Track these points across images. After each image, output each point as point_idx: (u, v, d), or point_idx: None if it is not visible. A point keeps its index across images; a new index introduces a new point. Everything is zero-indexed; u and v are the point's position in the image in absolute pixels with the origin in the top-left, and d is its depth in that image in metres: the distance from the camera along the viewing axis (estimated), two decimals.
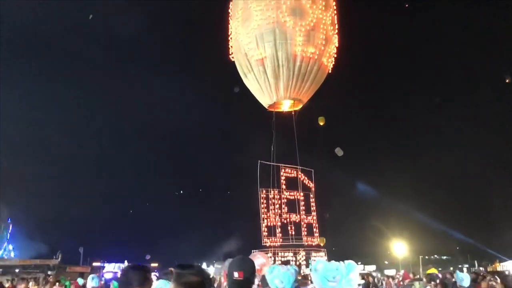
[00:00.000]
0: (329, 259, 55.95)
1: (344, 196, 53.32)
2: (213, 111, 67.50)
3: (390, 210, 53.37)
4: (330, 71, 25.24)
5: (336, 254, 60.87)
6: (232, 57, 25.39)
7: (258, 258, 10.67)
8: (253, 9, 23.50)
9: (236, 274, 3.18)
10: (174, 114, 66.61)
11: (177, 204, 69.51)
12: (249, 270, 3.25)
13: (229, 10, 25.87)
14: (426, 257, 58.67)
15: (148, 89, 72.58)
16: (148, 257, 57.71)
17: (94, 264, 52.88)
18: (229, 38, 25.59)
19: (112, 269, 52.28)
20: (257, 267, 4.06)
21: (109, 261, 55.49)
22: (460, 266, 57.79)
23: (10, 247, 53.63)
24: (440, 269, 32.66)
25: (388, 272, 39.35)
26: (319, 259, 23.63)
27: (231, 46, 25.37)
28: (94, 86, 69.73)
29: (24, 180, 56.17)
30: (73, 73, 65.06)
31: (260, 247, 22.32)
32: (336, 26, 25.31)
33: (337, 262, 3.25)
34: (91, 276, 10.21)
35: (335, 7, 25.35)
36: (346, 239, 55.28)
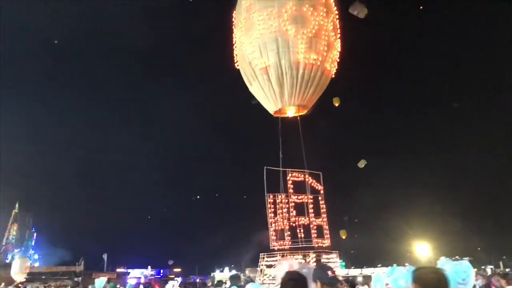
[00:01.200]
0: (346, 262, 55.80)
1: (361, 199, 53.36)
2: (230, 118, 68.34)
3: (409, 210, 53.19)
4: (333, 76, 25.65)
5: (354, 256, 60.89)
6: (237, 66, 26.05)
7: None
8: (256, 18, 24.11)
9: (330, 273, 4.03)
10: (191, 122, 67.90)
11: (194, 209, 70.44)
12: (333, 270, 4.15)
13: (233, 20, 26.53)
14: (447, 258, 57.99)
15: (163, 98, 74.06)
16: (171, 262, 58.67)
17: (118, 270, 53.86)
18: (234, 47, 26.25)
19: (136, 274, 53.35)
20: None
21: (132, 267, 56.59)
22: (483, 267, 56.95)
23: (36, 256, 55.40)
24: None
25: None
26: (334, 261, 24.05)
27: (236, 55, 26.04)
28: (111, 97, 71.66)
29: (47, 189, 57.90)
30: (91, 84, 67.02)
31: (269, 250, 22.83)
32: (338, 31, 25.75)
33: (464, 263, 3.83)
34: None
35: (336, 13, 25.78)
36: (363, 241, 55.31)
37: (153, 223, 69.64)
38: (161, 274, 59.73)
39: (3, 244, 55.26)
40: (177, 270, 62.21)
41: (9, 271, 37.87)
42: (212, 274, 63.69)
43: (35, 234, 56.38)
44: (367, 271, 54.18)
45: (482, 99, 57.23)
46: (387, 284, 4.55)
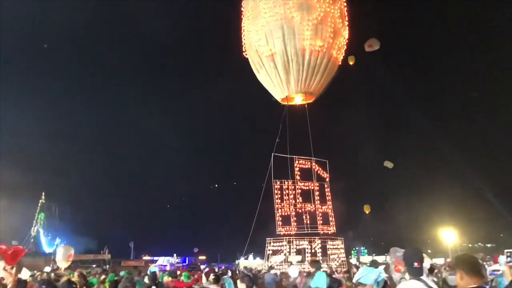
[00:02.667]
0: (369, 250, 55.21)
1: (381, 185, 52.91)
2: (245, 108, 68.74)
3: (430, 196, 52.57)
4: (341, 63, 25.57)
5: (374, 244, 60.45)
6: (246, 54, 26.26)
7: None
8: (262, 7, 24.30)
9: (416, 264, 3.90)
10: (206, 113, 68.65)
11: (213, 197, 71.13)
12: (423, 260, 4.07)
13: (242, 9, 26.71)
14: (470, 245, 57.27)
15: (185, 89, 75.28)
16: (196, 250, 59.49)
17: (144, 258, 54.88)
18: (242, 36, 26.45)
19: (162, 262, 54.27)
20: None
21: (157, 255, 57.62)
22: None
23: (58, 240, 56.99)
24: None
25: (437, 260, 37.95)
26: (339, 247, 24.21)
27: (244, 44, 26.23)
28: (133, 86, 73.13)
29: (72, 178, 59.53)
30: (113, 75, 68.50)
31: (275, 235, 23.10)
32: (346, 19, 25.63)
33: None
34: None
35: (344, 0, 25.64)
36: (382, 228, 54.94)
37: (175, 212, 70.85)
38: (187, 262, 60.40)
39: (31, 233, 57.02)
40: (202, 258, 62.92)
41: (38, 259, 39.27)
42: (237, 262, 64.43)
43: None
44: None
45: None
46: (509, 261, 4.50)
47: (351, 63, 26.56)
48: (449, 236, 40.54)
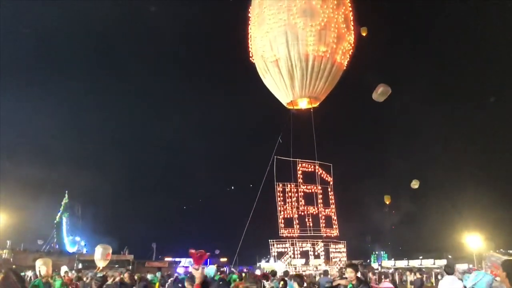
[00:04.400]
0: (388, 254, 54.43)
1: (403, 188, 52.44)
2: (260, 111, 69.08)
3: (452, 201, 51.83)
4: (345, 68, 25.76)
5: (393, 248, 59.73)
6: (253, 60, 26.78)
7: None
8: (266, 13, 24.75)
9: None
10: (221, 117, 69.36)
11: (230, 199, 71.56)
12: None
13: (249, 15, 27.24)
14: (491, 251, 55.94)
15: (201, 93, 76.42)
16: (217, 251, 59.88)
17: (166, 259, 55.58)
18: (249, 42, 26.98)
19: (184, 264, 54.92)
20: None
21: (179, 256, 58.24)
22: None
23: (83, 243, 58.47)
24: None
25: (461, 266, 37.28)
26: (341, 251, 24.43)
27: (251, 49, 26.75)
28: (154, 89, 74.72)
29: (94, 179, 60.94)
30: (136, 76, 70.10)
31: (278, 237, 23.47)
32: (351, 24, 25.81)
33: None
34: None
35: (349, 4, 25.82)
36: (401, 234, 54.37)
37: (194, 213, 71.63)
38: (208, 264, 60.55)
39: (55, 233, 58.54)
40: (224, 259, 63.28)
41: (62, 258, 40.31)
42: (258, 264, 64.75)
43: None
44: (413, 262, 53.56)
45: None
46: None
47: (363, 34, 26.38)
48: (474, 241, 39.73)
